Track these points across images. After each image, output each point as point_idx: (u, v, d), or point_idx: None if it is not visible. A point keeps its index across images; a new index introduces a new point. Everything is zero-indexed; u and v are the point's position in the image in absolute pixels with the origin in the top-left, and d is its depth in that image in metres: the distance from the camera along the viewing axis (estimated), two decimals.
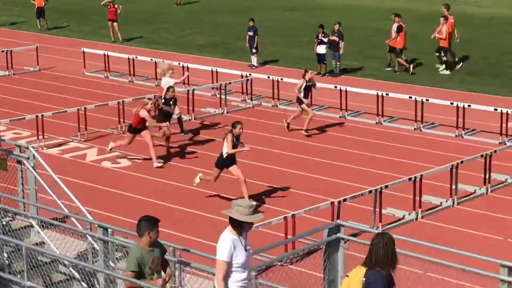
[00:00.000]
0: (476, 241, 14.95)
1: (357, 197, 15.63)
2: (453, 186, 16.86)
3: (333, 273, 10.46)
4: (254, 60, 30.44)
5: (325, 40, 28.60)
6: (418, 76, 28.47)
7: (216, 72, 26.37)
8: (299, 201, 16.65)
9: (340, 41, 28.53)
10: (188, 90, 24.00)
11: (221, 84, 24.86)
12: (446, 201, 16.89)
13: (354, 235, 13.49)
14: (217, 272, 8.71)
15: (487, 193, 17.49)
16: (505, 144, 20.11)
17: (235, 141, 16.54)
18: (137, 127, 19.19)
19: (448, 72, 28.77)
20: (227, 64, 29.40)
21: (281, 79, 25.20)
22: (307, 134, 21.54)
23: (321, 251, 10.65)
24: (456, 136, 21.61)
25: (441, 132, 22.03)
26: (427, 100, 22.50)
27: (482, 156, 17.58)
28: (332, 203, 15.10)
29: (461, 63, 29.50)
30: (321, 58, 28.92)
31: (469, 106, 21.75)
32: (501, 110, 21.05)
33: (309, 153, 20.19)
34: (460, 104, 21.68)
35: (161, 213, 15.12)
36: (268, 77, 25.68)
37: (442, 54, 29.02)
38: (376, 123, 22.97)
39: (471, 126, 21.93)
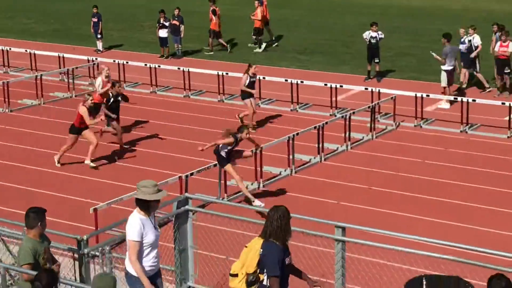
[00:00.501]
0: (313, 206, 15.28)
1: (203, 170, 15.66)
2: (291, 156, 17.18)
3: (183, 243, 10.46)
4: (99, 45, 29.92)
5: (167, 24, 28.45)
6: (253, 55, 28.80)
7: (63, 57, 25.69)
8: (150, 177, 16.47)
9: (180, 25, 28.45)
10: (36, 76, 23.31)
11: (68, 69, 24.31)
12: (285, 170, 17.18)
13: (202, 206, 13.56)
14: (131, 252, 8.53)
15: (321, 161, 17.92)
16: (335, 116, 20.64)
17: (234, 145, 14.86)
18: (80, 127, 17.32)
19: (260, 50, 29.42)
20: (73, 50, 28.74)
21: (127, 62, 24.96)
22: (254, 130, 19.73)
23: (172, 223, 10.62)
24: (291, 110, 22.00)
25: (278, 107, 22.37)
26: (264, 78, 22.76)
27: (315, 127, 17.97)
28: (180, 177, 15.05)
29: (276, 42, 30.12)
30: (163, 41, 28.75)
31: (301, 82, 22.18)
32: (330, 85, 21.61)
33: (156, 131, 20.03)
34: (294, 81, 22.09)
35: (23, 198, 14.72)
36: (114, 61, 25.30)
37: (258, 35, 29.60)
38: (219, 101, 23.06)
39: (305, 101, 22.38)
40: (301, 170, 17.41)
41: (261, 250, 8.14)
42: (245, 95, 20.09)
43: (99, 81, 19.58)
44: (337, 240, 9.31)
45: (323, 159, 17.96)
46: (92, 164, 17.47)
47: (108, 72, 19.69)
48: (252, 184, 16.39)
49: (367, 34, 24.80)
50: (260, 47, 29.64)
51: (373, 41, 24.66)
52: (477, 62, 23.35)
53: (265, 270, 8.14)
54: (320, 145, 17.91)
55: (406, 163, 17.73)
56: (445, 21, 32.95)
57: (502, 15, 33.15)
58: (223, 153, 14.82)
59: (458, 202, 15.39)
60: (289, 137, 17.17)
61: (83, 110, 17.23)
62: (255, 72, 20.08)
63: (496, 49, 22.92)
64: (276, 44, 30.01)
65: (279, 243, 8.12)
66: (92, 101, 17.66)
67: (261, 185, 16.42)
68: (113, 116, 18.36)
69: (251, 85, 20.07)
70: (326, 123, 18.37)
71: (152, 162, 17.92)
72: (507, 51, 22.60)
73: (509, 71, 22.82)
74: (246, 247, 8.42)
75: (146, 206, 8.58)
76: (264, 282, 8.15)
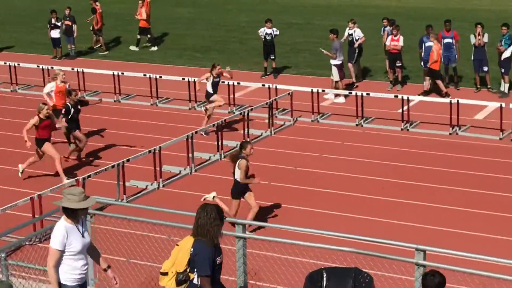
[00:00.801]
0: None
1: (101, 172, 15.44)
2: (190, 155, 17.13)
3: None
4: None
5: (59, 24, 27.93)
6: (148, 54, 28.67)
7: None
8: (47, 181, 16.16)
9: (73, 25, 27.98)
10: None
11: None
12: (185, 169, 17.13)
13: (100, 209, 13.37)
14: (49, 259, 8.33)
15: (220, 158, 17.94)
16: (233, 113, 20.70)
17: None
18: (43, 138, 16.31)
19: (155, 48, 29.45)
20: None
21: (18, 64, 24.36)
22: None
23: None
24: (189, 108, 21.95)
25: (176, 106, 22.28)
26: (161, 77, 22.65)
27: (214, 125, 17.98)
28: (77, 180, 14.80)
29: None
30: (56, 42, 28.21)
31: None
32: (228, 83, 21.59)
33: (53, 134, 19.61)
34: (191, 79, 22.03)
35: None
36: (5, 63, 24.66)
37: (144, 34, 29.57)
38: (114, 101, 22.78)
39: (203, 99, 22.33)
40: (201, 168, 17.39)
41: (192, 249, 8.05)
42: (209, 94, 19.58)
43: (51, 85, 18.41)
44: (238, 237, 9.32)
45: (223, 156, 17.99)
46: (21, 170, 16.57)
47: (64, 76, 18.70)
48: (152, 184, 16.27)
49: (262, 31, 24.97)
50: (154, 45, 29.50)
51: (268, 37, 24.85)
52: (355, 54, 23.86)
53: (195, 270, 8.08)
54: (220, 143, 17.93)
55: (305, 158, 17.94)
56: (335, 17, 33.49)
57: (388, 9, 33.94)
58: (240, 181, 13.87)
59: (356, 195, 15.68)
60: (187, 135, 17.12)
61: (33, 120, 16.15)
62: (219, 72, 19.63)
63: (388, 43, 23.46)
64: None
65: (210, 242, 8.03)
66: (48, 110, 16.53)
67: (161, 184, 16.31)
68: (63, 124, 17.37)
69: (215, 85, 19.60)
70: (225, 120, 18.41)
71: (47, 165, 17.52)
72: (398, 45, 23.17)
73: (400, 64, 23.40)
74: (177, 245, 8.33)
75: (73, 214, 8.38)
76: (195, 281, 8.09)
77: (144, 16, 29.05)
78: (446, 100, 20.08)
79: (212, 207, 8.13)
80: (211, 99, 19.61)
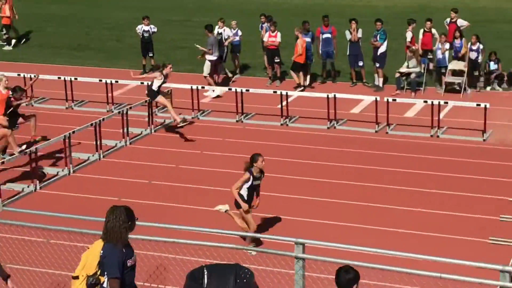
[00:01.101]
0: (93, 205, 15.05)
1: None
2: (68, 156, 16.83)
3: None
4: None
5: None
6: (23, 53, 28.00)
7: None
8: None
9: None
10: None
11: None
12: (63, 170, 16.82)
13: None
14: None
15: (99, 158, 17.71)
16: (112, 111, 20.46)
17: (252, 179, 12.94)
18: None
19: (10, 48, 28.91)
20: None
21: None
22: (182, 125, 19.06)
23: None
24: (66, 108, 21.56)
25: (52, 106, 21.84)
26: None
27: (91, 125, 17.72)
28: None
29: (24, 39, 29.74)
30: None
31: (75, 79, 21.78)
32: (106, 81, 21.40)
33: None
34: (68, 78, 21.65)
35: None
36: None
37: (4, 32, 29.14)
38: None
39: (80, 98, 22.01)
40: (80, 169, 17.10)
41: (102, 251, 7.97)
42: (155, 94, 18.98)
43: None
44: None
45: (101, 156, 17.75)
46: (22, 148, 16.04)
47: (7, 82, 17.50)
48: (28, 186, 15.89)
49: (140, 28, 24.79)
50: (10, 45, 28.91)
51: (146, 34, 24.69)
52: (225, 53, 24.02)
53: (105, 272, 7.95)
54: (98, 142, 17.68)
55: (186, 155, 17.93)
56: (214, 14, 33.58)
57: (265, 6, 34.33)
58: (245, 194, 13.06)
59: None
60: (65, 135, 16.80)
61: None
62: (169, 72, 19.07)
63: (265, 39, 23.73)
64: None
65: (120, 244, 7.93)
66: (7, 81, 16.22)
67: (38, 187, 15.95)
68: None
69: (161, 85, 19.03)
70: (103, 119, 18.18)
71: None
72: (275, 41, 23.47)
73: (278, 60, 23.71)
74: (88, 248, 8.22)
75: None
76: (105, 285, 7.97)
77: (7, 13, 28.43)
78: (323, 94, 20.45)
79: (121, 209, 8.06)
80: (158, 100, 19.09)
